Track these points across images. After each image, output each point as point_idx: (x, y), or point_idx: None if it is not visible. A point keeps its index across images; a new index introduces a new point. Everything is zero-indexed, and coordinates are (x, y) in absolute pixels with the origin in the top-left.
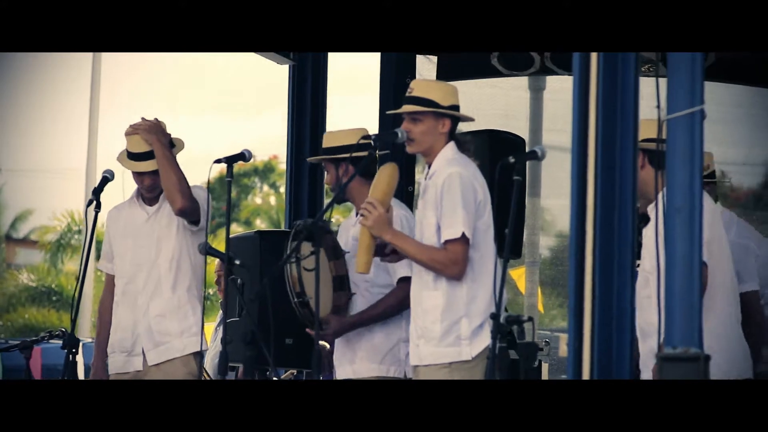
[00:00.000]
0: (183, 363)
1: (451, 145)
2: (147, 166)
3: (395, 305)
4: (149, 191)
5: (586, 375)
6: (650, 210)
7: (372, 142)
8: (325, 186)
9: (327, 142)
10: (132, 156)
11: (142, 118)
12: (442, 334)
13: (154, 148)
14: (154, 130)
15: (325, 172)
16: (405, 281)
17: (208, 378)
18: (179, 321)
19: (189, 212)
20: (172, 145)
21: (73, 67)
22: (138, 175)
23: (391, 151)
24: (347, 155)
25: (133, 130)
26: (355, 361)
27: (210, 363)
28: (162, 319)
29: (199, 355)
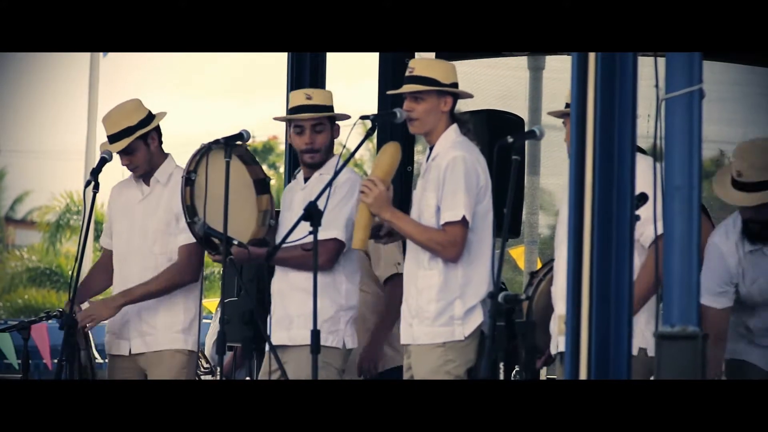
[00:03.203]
0: (168, 356)
1: (455, 127)
2: (118, 146)
3: (301, 256)
4: (132, 170)
5: (584, 347)
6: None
7: (371, 122)
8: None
9: (324, 100)
10: (108, 138)
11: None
12: (436, 314)
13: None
14: (93, 318)
15: (310, 133)
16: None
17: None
18: (166, 316)
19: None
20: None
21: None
22: (120, 156)
23: (389, 131)
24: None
25: None
26: (291, 327)
27: (209, 342)
28: (151, 311)
29: (187, 354)
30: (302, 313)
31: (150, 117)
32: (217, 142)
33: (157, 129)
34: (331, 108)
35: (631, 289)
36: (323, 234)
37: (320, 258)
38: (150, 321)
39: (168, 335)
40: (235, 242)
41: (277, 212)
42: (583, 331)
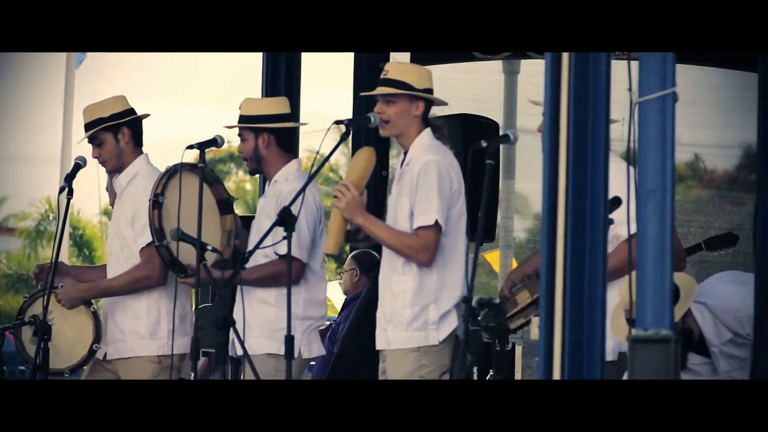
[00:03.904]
0: (138, 364)
1: (428, 131)
2: (84, 134)
3: (268, 276)
4: (101, 164)
5: (557, 346)
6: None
7: (345, 127)
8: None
9: (247, 110)
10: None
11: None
12: (410, 319)
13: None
14: (71, 300)
15: (241, 141)
16: (284, 257)
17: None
18: (132, 322)
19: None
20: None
21: (48, 53)
22: (91, 147)
23: (364, 136)
24: (271, 125)
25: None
26: (250, 336)
27: None
28: (120, 316)
29: (156, 362)
30: (259, 323)
31: (127, 113)
32: (191, 147)
33: (133, 126)
34: (252, 118)
35: (604, 293)
36: (283, 250)
37: (284, 277)
38: (120, 326)
39: (133, 341)
40: (209, 248)
41: (251, 218)
42: (557, 333)
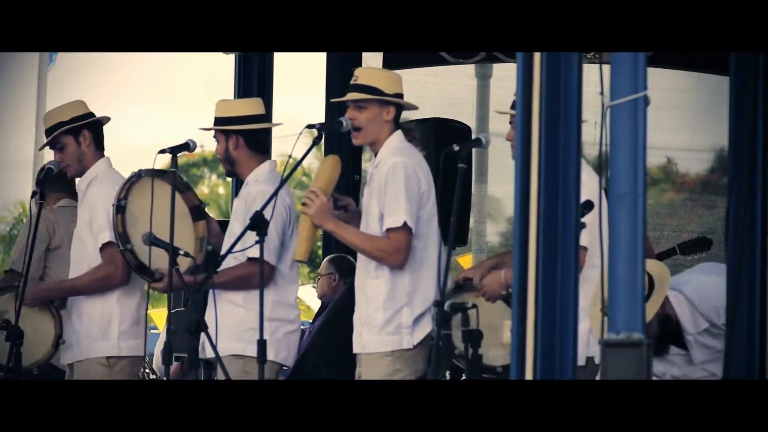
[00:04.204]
0: (91, 366)
1: (398, 133)
2: (47, 141)
3: (237, 279)
4: (64, 169)
5: (529, 348)
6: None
7: (317, 131)
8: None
9: (219, 112)
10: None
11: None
12: (384, 322)
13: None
14: (37, 301)
15: (216, 143)
16: (253, 260)
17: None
18: (86, 323)
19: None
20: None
21: (20, 58)
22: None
23: (337, 141)
24: (238, 127)
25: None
26: (220, 339)
27: (158, 353)
28: (75, 318)
29: (105, 364)
30: (228, 325)
31: (87, 116)
32: (162, 152)
33: (93, 129)
34: (222, 120)
35: (576, 295)
36: (252, 254)
37: (253, 280)
38: (76, 330)
39: (87, 343)
40: (182, 252)
41: (225, 222)
42: (529, 337)
